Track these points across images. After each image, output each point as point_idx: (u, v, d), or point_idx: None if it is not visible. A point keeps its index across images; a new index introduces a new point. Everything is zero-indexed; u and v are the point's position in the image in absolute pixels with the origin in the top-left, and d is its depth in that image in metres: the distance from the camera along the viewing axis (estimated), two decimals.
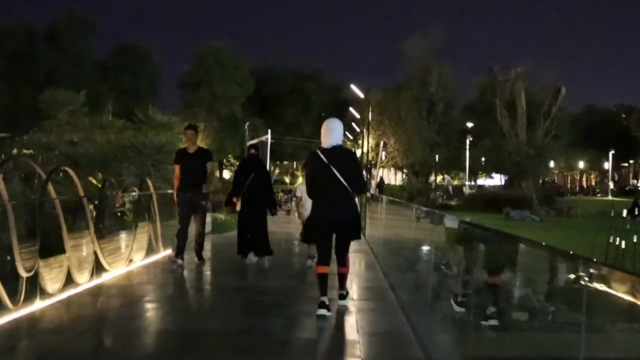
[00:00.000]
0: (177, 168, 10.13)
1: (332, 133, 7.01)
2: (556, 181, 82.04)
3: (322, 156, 6.83)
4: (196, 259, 10.42)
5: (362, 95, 22.95)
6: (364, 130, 34.05)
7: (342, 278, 7.11)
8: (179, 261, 9.86)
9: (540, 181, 42.09)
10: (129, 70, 49.34)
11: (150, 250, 10.68)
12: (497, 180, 73.59)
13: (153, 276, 9.29)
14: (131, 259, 9.51)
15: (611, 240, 13.35)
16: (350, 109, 36.47)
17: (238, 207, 10.78)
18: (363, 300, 7.71)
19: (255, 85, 53.63)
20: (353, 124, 42.06)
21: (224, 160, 59.87)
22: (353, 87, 22.32)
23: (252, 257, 10.75)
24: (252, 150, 11.45)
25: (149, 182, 10.97)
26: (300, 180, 71.12)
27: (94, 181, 15.19)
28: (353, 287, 8.47)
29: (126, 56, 50.34)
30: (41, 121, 19.80)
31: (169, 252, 10.97)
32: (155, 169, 16.14)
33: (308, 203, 7.79)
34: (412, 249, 11.68)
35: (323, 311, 6.52)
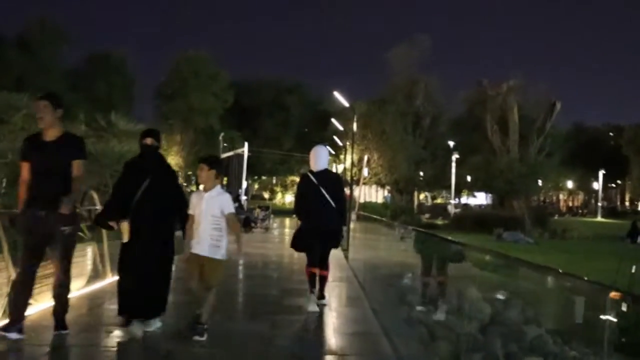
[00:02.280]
0: (24, 167, 5.88)
1: (320, 159, 8.48)
2: (547, 201, 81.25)
3: (312, 178, 8.32)
4: (54, 329, 5.95)
5: (346, 104, 21.46)
6: (347, 143, 32.59)
7: (323, 280, 8.48)
8: (13, 335, 5.54)
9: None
10: (102, 79, 47.63)
11: (95, 276, 9.06)
12: (481, 199, 72.41)
13: (88, 311, 7.62)
14: None
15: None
16: (333, 120, 34.99)
17: (125, 236, 6.15)
18: (349, 357, 5.89)
19: (234, 98, 52.17)
20: (335, 137, 40.56)
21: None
22: (336, 94, 20.82)
23: (136, 329, 6.01)
24: (148, 140, 6.42)
25: (94, 195, 9.29)
26: (280, 196, 69.94)
27: None
28: (335, 334, 6.84)
29: (99, 64, 48.63)
30: None
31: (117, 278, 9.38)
32: (114, 180, 14.45)
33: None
34: (408, 278, 10.19)
35: (311, 304, 8.01)
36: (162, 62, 52.01)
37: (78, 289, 8.25)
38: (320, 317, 7.71)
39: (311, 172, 8.48)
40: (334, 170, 46.42)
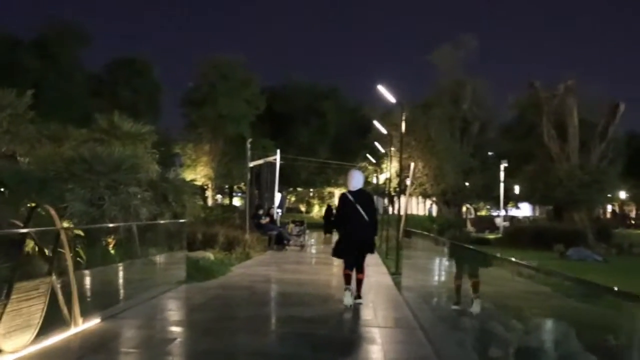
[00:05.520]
0: None
1: (355, 180, 10.80)
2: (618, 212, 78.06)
3: (350, 197, 10.55)
4: None
5: (393, 100, 19.02)
6: (392, 149, 30.14)
7: (360, 283, 10.59)
8: None
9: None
10: (127, 85, 46.08)
11: (53, 324, 6.76)
12: (525, 210, 69.33)
13: None
14: None
15: None
16: (375, 123, 32.55)
17: None
18: None
19: (266, 104, 50.06)
20: (376, 143, 38.12)
21: (234, 187, 56.33)
22: (381, 88, 18.41)
23: None
24: None
25: (52, 212, 7.01)
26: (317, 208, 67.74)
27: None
28: None
29: (123, 70, 47.11)
30: None
31: (94, 322, 7.10)
32: (111, 192, 12.18)
33: None
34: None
35: (347, 292, 10.35)
36: (190, 68, 50.52)
37: (18, 348, 5.98)
38: None
39: (349, 191, 10.76)
40: (375, 180, 44.46)
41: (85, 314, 7.62)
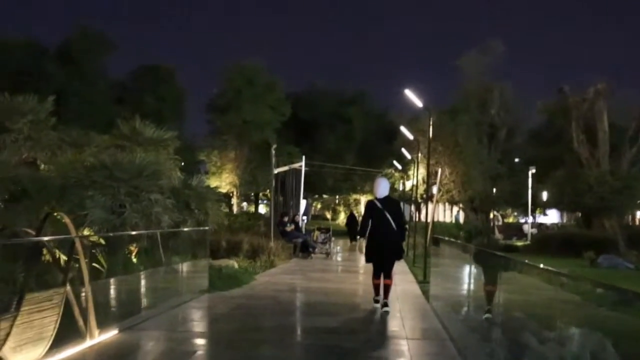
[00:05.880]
0: None
1: (382, 187, 11.01)
2: None
3: (377, 203, 10.82)
4: None
5: (420, 104, 18.68)
6: (420, 155, 29.73)
7: (387, 288, 10.72)
8: None
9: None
10: (151, 92, 46.08)
11: (67, 336, 6.48)
12: (552, 217, 68.38)
13: None
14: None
15: None
16: (402, 128, 32.15)
17: None
18: None
19: (292, 110, 49.77)
20: (403, 149, 37.71)
21: (260, 194, 56.13)
22: (408, 93, 18.07)
23: None
24: None
25: (67, 220, 6.73)
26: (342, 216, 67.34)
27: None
28: None
29: (147, 77, 47.16)
30: None
31: (112, 334, 6.81)
32: (132, 199, 11.91)
33: None
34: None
35: (377, 304, 10.75)
36: (214, 74, 50.39)
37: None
38: None
39: (376, 198, 10.97)
40: (401, 187, 44.04)
41: (103, 325, 7.34)
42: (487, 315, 9.70)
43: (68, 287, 6.56)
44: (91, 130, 18.81)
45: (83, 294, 7.05)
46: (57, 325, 6.27)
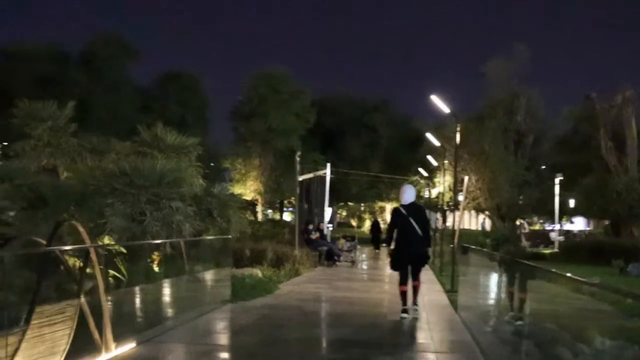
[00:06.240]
0: None
1: (407, 194, 11.22)
2: None
3: (403, 210, 10.99)
4: None
5: (446, 110, 18.34)
6: (446, 162, 29.29)
7: (416, 289, 11.04)
8: None
9: None
10: (175, 100, 46.11)
11: (82, 350, 6.19)
12: (579, 224, 67.44)
13: None
14: None
15: None
16: (428, 135, 31.76)
17: None
18: None
19: (316, 117, 49.46)
20: (429, 156, 37.27)
21: (285, 202, 55.88)
22: (434, 98, 17.72)
23: None
24: None
25: (80, 228, 6.45)
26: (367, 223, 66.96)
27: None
28: None
29: (171, 84, 47.19)
30: (15, 141, 15.83)
31: (129, 347, 6.51)
32: (153, 207, 11.65)
33: None
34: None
35: (405, 315, 10.59)
36: (238, 82, 50.62)
37: None
38: None
39: (401, 205, 11.17)
40: (427, 194, 43.52)
41: (120, 337, 7.07)
42: (519, 322, 9.46)
43: (83, 299, 6.29)
44: (113, 137, 18.67)
45: (108, 305, 6.80)
46: (71, 339, 5.99)
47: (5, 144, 18.17)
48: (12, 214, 10.81)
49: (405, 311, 10.68)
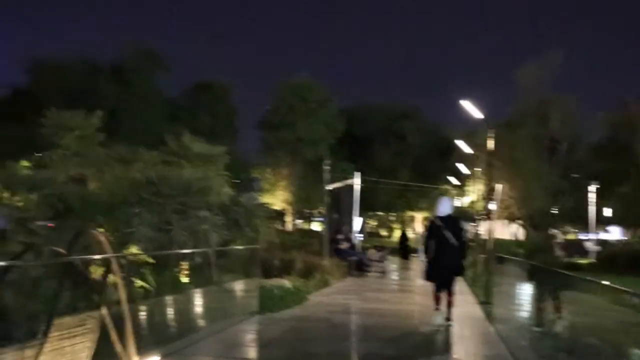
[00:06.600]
0: None
1: (444, 206, 11.39)
2: None
3: (439, 222, 11.07)
4: None
5: (478, 115, 18.03)
6: (478, 169, 28.92)
7: (450, 304, 10.87)
8: None
9: None
10: (205, 110, 46.30)
11: None
12: (615, 233, 66.42)
13: None
14: None
15: None
16: (458, 142, 31.42)
17: None
18: None
19: (345, 126, 49.31)
20: (460, 164, 36.90)
21: (315, 211, 55.69)
22: (465, 104, 17.42)
23: None
24: None
25: (101, 238, 6.28)
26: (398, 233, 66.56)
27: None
28: None
29: (201, 94, 47.39)
30: (44, 150, 15.87)
31: None
32: (180, 216, 11.50)
33: None
34: None
35: (437, 317, 10.80)
36: (266, 92, 50.46)
37: None
38: None
39: (437, 217, 11.25)
40: (458, 203, 43.06)
41: (144, 350, 6.86)
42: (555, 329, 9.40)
43: (104, 310, 6.11)
44: (142, 147, 18.69)
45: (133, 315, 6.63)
46: (92, 352, 5.81)
47: (40, 155, 18.42)
48: (40, 223, 10.76)
49: (438, 309, 10.93)
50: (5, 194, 13.85)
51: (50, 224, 11.89)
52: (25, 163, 18.76)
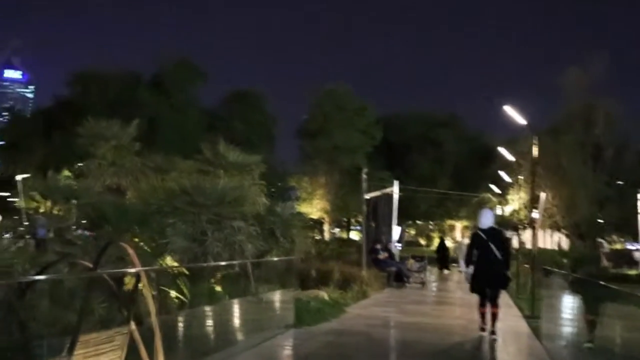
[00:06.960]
0: None
1: (486, 218, 11.53)
2: None
3: (482, 234, 11.23)
4: None
5: (521, 121, 17.60)
6: (520, 178, 28.38)
7: (494, 316, 10.98)
8: None
9: None
10: (242, 119, 46.40)
11: None
12: None
13: None
14: None
15: None
16: (500, 149, 30.89)
17: None
18: None
19: (382, 134, 49.03)
20: (501, 172, 36.29)
21: (352, 220, 55.42)
22: (507, 109, 17.00)
23: None
24: None
25: (130, 251, 6.06)
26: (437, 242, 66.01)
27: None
28: None
29: (238, 103, 47.54)
30: (80, 160, 15.87)
31: None
32: (214, 226, 11.28)
33: None
34: None
35: (483, 333, 11.01)
36: (304, 100, 50.34)
37: None
38: None
39: (480, 229, 11.38)
40: (499, 212, 42.36)
41: None
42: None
43: (133, 325, 5.89)
44: (179, 157, 18.60)
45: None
46: None
47: (81, 165, 18.66)
48: (78, 232, 10.68)
49: (483, 329, 11.21)
50: (47, 204, 13.90)
51: (90, 233, 11.85)
52: (67, 173, 18.97)
